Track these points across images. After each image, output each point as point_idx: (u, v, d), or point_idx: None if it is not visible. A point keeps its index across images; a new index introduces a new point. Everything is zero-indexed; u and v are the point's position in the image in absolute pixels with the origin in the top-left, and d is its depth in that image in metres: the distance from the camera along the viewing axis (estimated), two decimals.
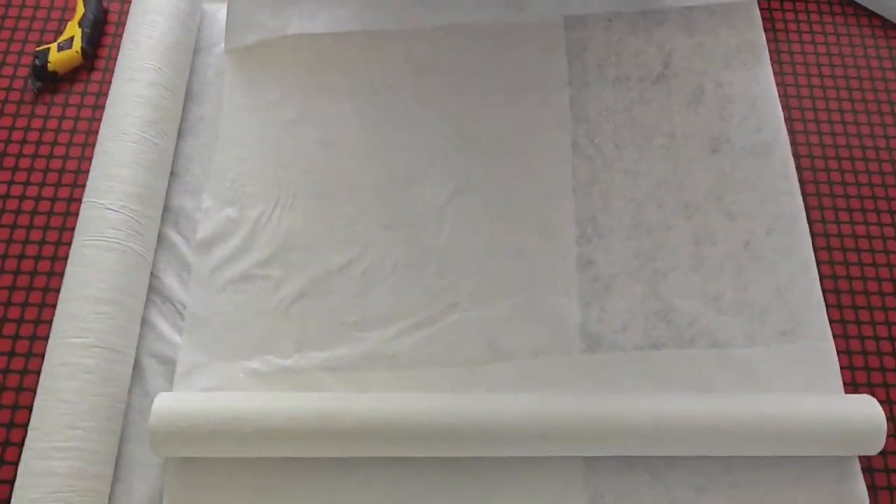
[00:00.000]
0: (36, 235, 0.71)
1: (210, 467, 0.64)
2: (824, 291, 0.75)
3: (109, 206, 0.66)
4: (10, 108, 0.77)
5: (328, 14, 0.83)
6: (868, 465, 0.69)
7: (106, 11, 0.82)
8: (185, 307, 0.70)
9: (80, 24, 0.79)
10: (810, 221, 0.79)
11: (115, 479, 0.63)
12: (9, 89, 0.78)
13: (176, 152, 0.75)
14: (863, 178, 0.82)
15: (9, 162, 0.75)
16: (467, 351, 0.70)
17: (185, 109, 0.77)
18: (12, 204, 0.73)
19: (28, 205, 0.73)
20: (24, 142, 0.76)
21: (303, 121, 0.79)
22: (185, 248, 0.72)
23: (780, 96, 0.84)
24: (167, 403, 0.62)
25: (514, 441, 0.63)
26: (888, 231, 0.79)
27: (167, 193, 0.73)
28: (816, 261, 0.77)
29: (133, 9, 0.76)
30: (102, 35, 0.81)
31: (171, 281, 0.71)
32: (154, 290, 0.70)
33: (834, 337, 0.73)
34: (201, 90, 0.79)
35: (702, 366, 0.71)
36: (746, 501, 0.67)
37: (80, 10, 0.80)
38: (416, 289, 0.73)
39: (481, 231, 0.76)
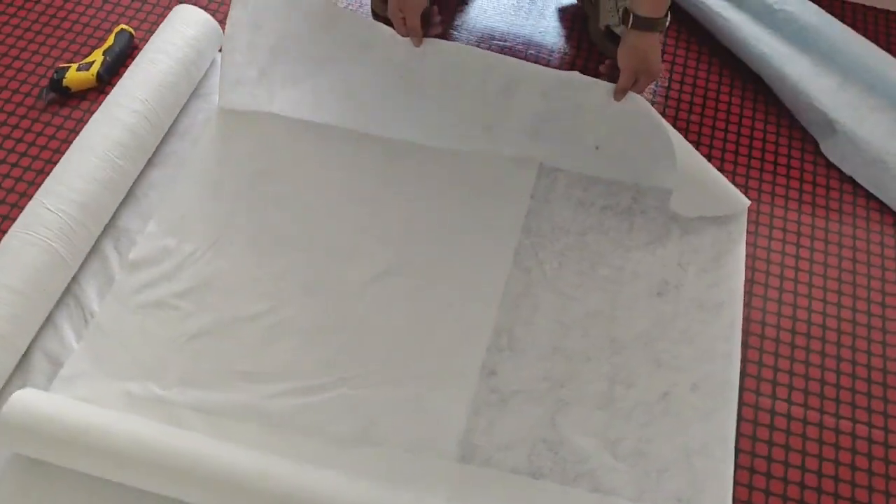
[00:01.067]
0: None
1: (50, 474, 0.64)
2: (737, 467, 0.69)
3: (48, 207, 0.71)
4: (21, 111, 0.86)
5: (313, 103, 0.87)
6: None
7: (135, 47, 0.91)
8: (93, 318, 0.73)
9: (105, 53, 0.88)
10: (742, 389, 0.73)
11: None
12: (27, 94, 0.87)
13: (141, 178, 0.81)
14: (814, 359, 0.76)
15: (11, 158, 0.82)
16: (341, 427, 0.68)
17: (164, 142, 0.83)
18: None
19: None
20: (21, 140, 0.83)
21: (264, 180, 0.83)
22: (116, 264, 0.76)
23: (747, 255, 0.81)
24: (26, 398, 0.63)
25: None
26: (827, 421, 0.72)
27: (119, 212, 0.78)
28: (737, 432, 0.71)
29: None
30: (122, 66, 0.89)
31: (90, 291, 0.74)
32: (72, 294, 0.74)
33: None
34: (186, 129, 0.85)
35: None
36: None
37: (110, 41, 0.89)
38: (314, 355, 0.72)
39: (397, 315, 0.75)
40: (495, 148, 0.86)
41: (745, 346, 0.76)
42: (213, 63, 0.90)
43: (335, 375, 0.71)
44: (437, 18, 0.85)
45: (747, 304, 0.78)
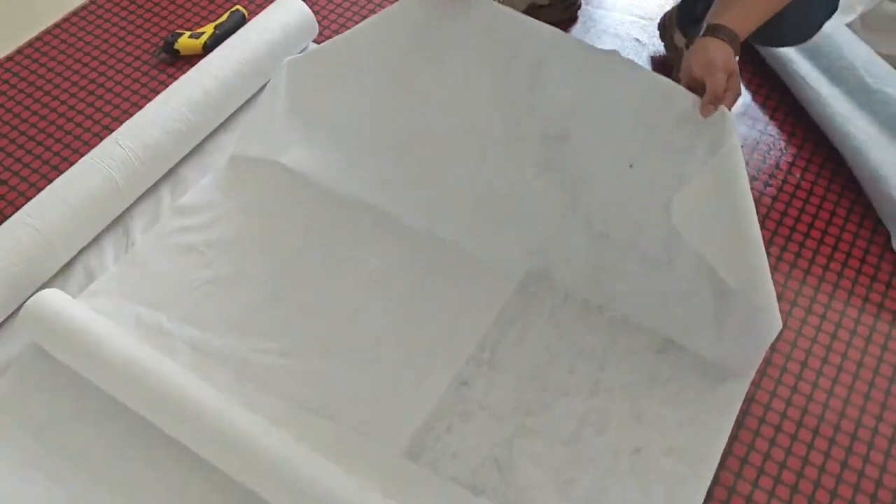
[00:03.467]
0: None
1: (58, 367, 0.72)
2: None
3: (119, 143, 0.81)
4: (136, 63, 0.98)
5: (322, 162, 0.86)
6: None
7: (245, 21, 1.01)
8: (133, 246, 0.81)
9: (217, 27, 0.99)
10: (721, 467, 0.68)
11: None
12: (146, 51, 0.99)
13: (212, 138, 0.89)
14: (815, 459, 0.69)
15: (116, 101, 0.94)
16: (306, 394, 0.71)
17: (240, 111, 0.91)
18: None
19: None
20: (128, 88, 0.95)
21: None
22: (167, 206, 0.84)
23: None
24: (52, 296, 0.72)
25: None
26: None
27: (183, 162, 0.87)
28: None
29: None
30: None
31: (139, 224, 0.83)
32: (123, 223, 0.83)
33: None
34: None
35: None
36: None
37: (223, 18, 1.00)
38: (306, 326, 0.76)
39: (393, 307, 0.77)
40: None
41: (738, 424, 0.71)
42: (305, 50, 0.98)
43: (318, 348, 0.75)
44: None
45: (755, 383, 0.73)
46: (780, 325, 0.65)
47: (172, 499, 0.66)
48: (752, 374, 0.71)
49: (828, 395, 0.73)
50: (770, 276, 0.63)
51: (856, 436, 0.70)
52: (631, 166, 0.68)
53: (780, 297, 0.69)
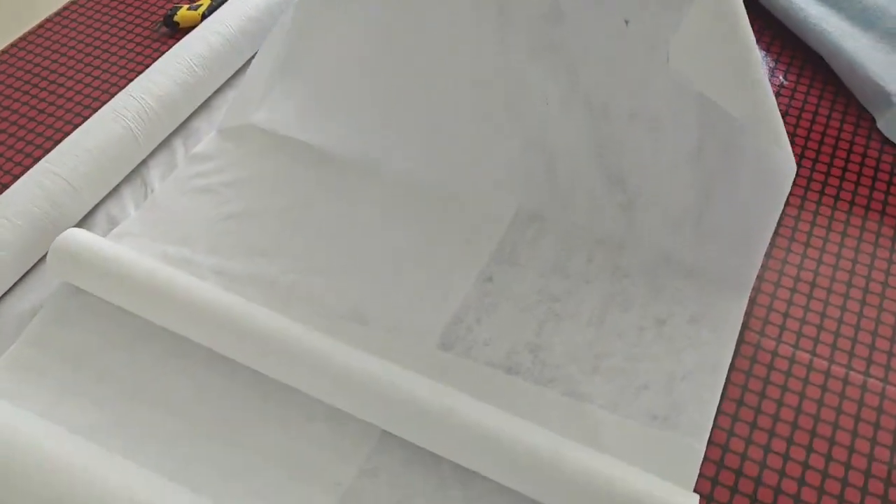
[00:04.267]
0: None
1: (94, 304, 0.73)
2: (725, 398, 0.66)
3: (132, 94, 0.84)
4: (138, 39, 1.02)
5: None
6: None
7: None
8: (152, 193, 0.83)
9: (213, 1, 1.03)
10: (745, 328, 0.70)
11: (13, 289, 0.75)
12: (150, 27, 1.03)
13: (220, 94, 0.93)
14: (831, 312, 0.72)
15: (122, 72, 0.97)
16: (335, 303, 0.73)
17: (245, 67, 0.95)
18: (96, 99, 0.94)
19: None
20: (132, 60, 0.99)
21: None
22: (181, 157, 0.87)
23: (786, 215, 0.79)
24: (79, 233, 0.73)
25: (316, 374, 0.64)
26: (836, 370, 0.68)
27: (194, 115, 0.90)
28: (731, 366, 0.68)
29: None
30: None
31: (155, 174, 0.85)
32: (139, 174, 0.85)
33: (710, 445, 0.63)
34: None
35: (547, 407, 0.66)
36: None
37: None
38: (327, 245, 0.78)
39: (409, 220, 0.80)
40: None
41: (755, 289, 0.73)
42: None
43: (342, 265, 0.77)
44: None
45: (768, 254, 0.76)
46: (794, 165, 0.66)
47: (212, 408, 0.67)
48: (767, 239, 0.72)
49: (836, 259, 0.76)
50: (780, 115, 0.65)
51: (868, 289, 0.73)
52: (627, 23, 0.68)
53: None
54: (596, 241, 0.77)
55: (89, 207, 0.80)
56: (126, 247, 0.77)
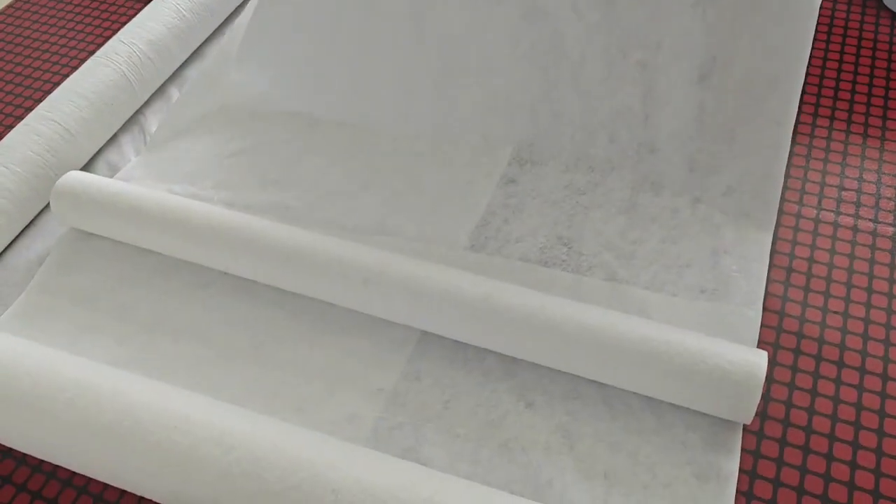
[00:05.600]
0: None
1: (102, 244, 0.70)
2: (773, 266, 0.63)
3: (122, 40, 0.81)
4: (129, 2, 0.99)
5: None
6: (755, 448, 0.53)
7: None
8: (150, 138, 0.80)
9: None
10: (783, 200, 0.68)
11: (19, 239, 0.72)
12: None
13: (211, 43, 0.90)
14: (869, 176, 0.69)
15: (99, 41, 0.95)
16: (357, 221, 0.70)
17: (233, 16, 0.93)
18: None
19: None
20: (104, 25, 0.96)
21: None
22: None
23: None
24: (79, 175, 0.70)
25: (353, 283, 0.61)
26: (883, 229, 0.65)
27: (187, 63, 0.87)
28: (775, 236, 0.65)
29: None
30: None
31: (153, 121, 0.82)
32: (137, 122, 0.82)
33: (766, 311, 0.61)
34: None
35: (588, 293, 0.63)
36: (575, 435, 0.55)
37: None
38: (341, 168, 0.75)
39: (421, 134, 0.77)
40: None
41: (788, 164, 0.71)
42: None
43: (357, 183, 0.74)
44: None
45: (795, 129, 0.74)
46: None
47: (241, 332, 0.64)
48: (800, 82, 0.65)
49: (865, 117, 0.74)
50: None
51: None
52: None
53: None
54: (615, 114, 0.71)
55: (89, 155, 0.77)
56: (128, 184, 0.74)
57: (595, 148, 0.72)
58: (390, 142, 0.78)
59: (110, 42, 0.82)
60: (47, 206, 0.73)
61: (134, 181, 0.76)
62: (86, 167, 0.77)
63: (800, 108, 0.76)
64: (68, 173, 0.70)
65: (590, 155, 0.72)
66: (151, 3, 0.86)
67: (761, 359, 0.52)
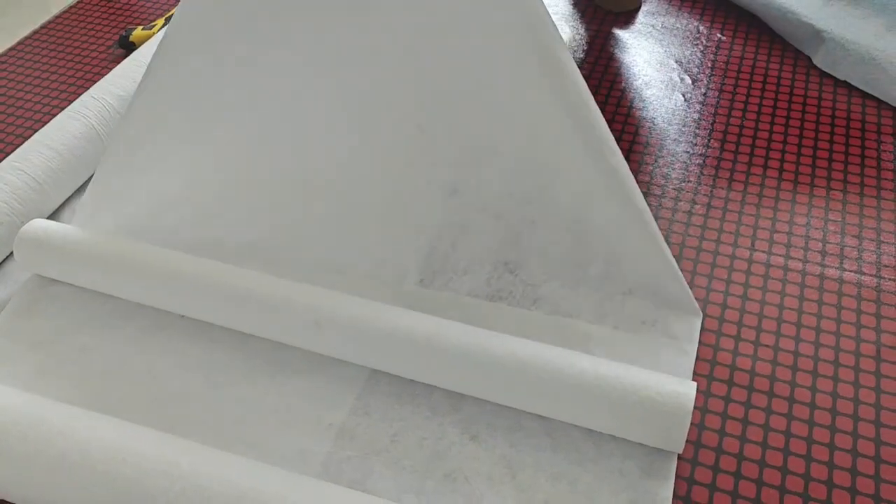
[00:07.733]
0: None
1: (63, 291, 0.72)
2: (708, 303, 0.67)
3: (93, 95, 0.85)
4: (101, 62, 1.03)
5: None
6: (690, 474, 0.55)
7: None
8: None
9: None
10: (720, 242, 0.72)
11: None
12: (107, 48, 1.05)
13: None
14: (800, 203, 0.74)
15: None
16: (311, 252, 0.71)
17: None
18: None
19: None
20: (89, 81, 1.00)
21: None
22: None
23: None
24: (42, 222, 0.72)
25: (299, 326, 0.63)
26: (812, 268, 0.69)
27: None
28: (710, 276, 0.69)
29: None
30: None
31: None
32: None
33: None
34: None
35: (534, 328, 0.65)
36: (517, 465, 0.57)
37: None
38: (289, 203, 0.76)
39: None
40: None
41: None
42: None
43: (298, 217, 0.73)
44: None
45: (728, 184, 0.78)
46: None
47: (197, 372, 0.65)
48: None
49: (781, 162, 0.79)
50: None
51: (814, 186, 0.76)
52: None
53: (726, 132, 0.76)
54: None
55: (56, 204, 0.80)
56: (91, 231, 0.76)
57: (539, 150, 0.67)
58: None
59: (82, 97, 0.85)
60: (11, 253, 0.75)
61: (90, 220, 0.77)
62: (53, 215, 0.80)
63: (736, 156, 0.81)
64: (31, 221, 0.72)
65: (534, 157, 0.67)
66: (122, 63, 0.91)
67: (691, 389, 0.55)
